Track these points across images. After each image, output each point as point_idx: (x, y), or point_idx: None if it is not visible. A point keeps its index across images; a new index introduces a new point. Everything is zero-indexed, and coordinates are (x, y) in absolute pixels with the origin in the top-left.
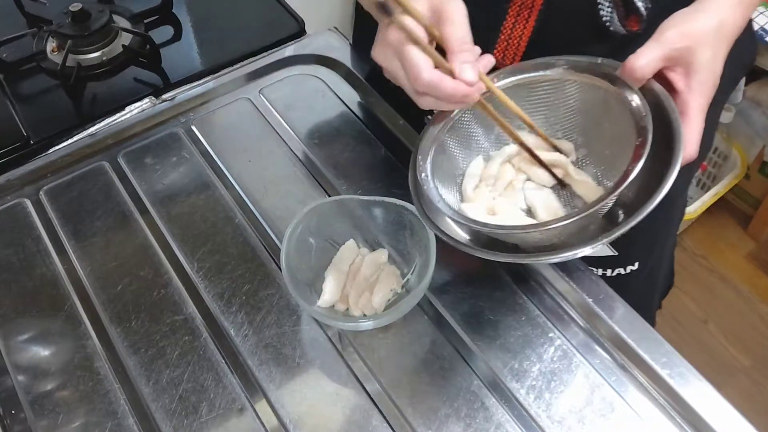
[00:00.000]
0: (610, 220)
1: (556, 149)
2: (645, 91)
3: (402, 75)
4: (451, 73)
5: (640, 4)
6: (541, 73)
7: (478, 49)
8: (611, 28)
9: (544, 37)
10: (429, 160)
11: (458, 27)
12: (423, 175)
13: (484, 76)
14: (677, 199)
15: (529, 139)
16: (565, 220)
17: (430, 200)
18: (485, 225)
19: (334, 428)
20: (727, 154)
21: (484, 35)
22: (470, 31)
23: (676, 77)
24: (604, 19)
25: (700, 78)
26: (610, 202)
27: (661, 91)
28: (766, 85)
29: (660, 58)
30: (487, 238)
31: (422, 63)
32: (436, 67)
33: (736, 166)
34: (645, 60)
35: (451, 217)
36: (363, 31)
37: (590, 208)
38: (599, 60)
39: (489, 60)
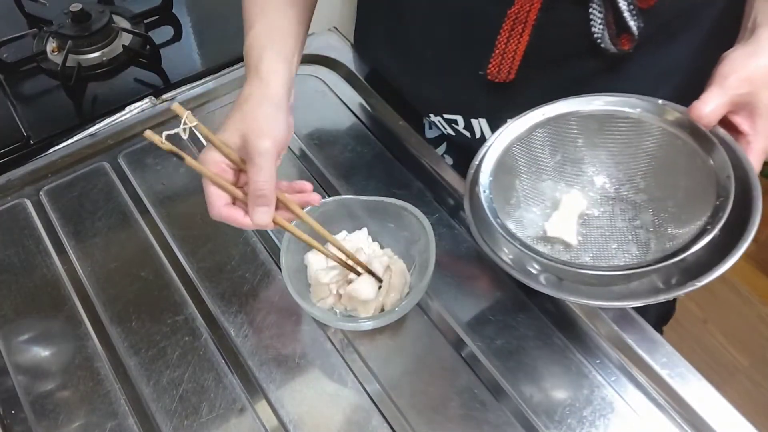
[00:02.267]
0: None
1: (367, 270)
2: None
3: (212, 208)
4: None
5: (632, 24)
6: (617, 108)
7: (284, 185)
8: (602, 45)
9: (537, 52)
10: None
11: (259, 170)
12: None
13: (280, 218)
14: None
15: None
16: (644, 267)
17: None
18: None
19: (334, 428)
20: None
21: (479, 49)
22: (273, 171)
23: (740, 120)
24: (595, 36)
25: (765, 121)
26: (687, 256)
27: (729, 141)
28: None
29: (725, 104)
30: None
31: (213, 200)
32: (234, 201)
33: None
34: (711, 107)
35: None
36: (363, 31)
37: (666, 259)
38: (660, 101)
39: (308, 198)
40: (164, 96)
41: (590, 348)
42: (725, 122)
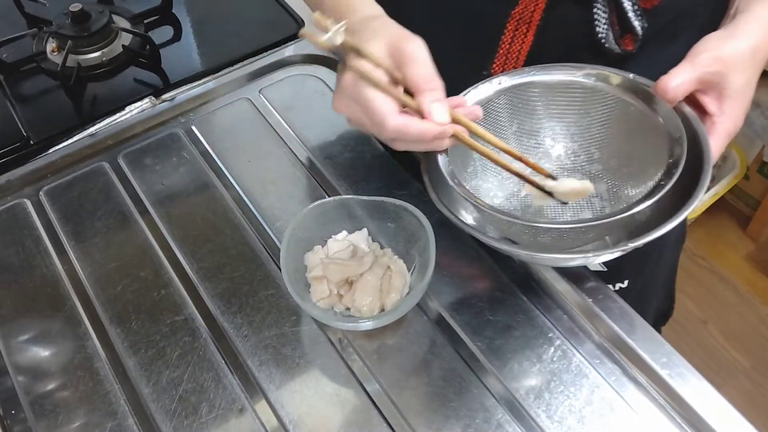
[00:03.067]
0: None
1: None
2: (675, 112)
3: (368, 122)
4: (420, 113)
5: (636, 23)
6: (573, 78)
7: (442, 85)
8: (606, 45)
9: (541, 52)
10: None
11: (422, 65)
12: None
13: (456, 112)
14: None
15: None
16: (587, 222)
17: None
18: (495, 209)
19: (333, 428)
20: (727, 154)
21: (482, 49)
22: (435, 69)
23: (708, 100)
24: (599, 35)
25: (733, 103)
26: (637, 212)
27: (691, 116)
28: (765, 86)
29: (693, 80)
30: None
31: (386, 108)
32: (404, 107)
33: (736, 166)
34: (678, 80)
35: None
36: None
37: (618, 214)
38: (631, 75)
39: (459, 99)
40: (164, 96)
41: (590, 348)
42: (692, 100)
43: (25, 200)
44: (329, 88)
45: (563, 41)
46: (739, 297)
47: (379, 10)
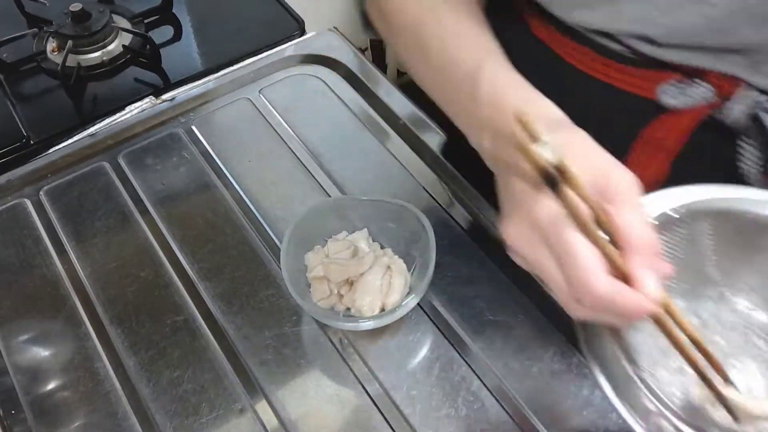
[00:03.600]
0: None
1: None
2: None
3: (556, 274)
4: (624, 275)
5: None
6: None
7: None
8: (747, 180)
9: (668, 179)
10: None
11: (639, 211)
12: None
13: (670, 301)
14: None
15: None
16: None
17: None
18: None
19: (334, 428)
20: None
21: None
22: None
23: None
24: (741, 170)
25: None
26: None
27: None
28: None
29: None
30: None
31: (594, 267)
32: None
33: None
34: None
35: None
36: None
37: None
38: None
39: (665, 267)
40: (164, 96)
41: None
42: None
43: (25, 200)
44: (329, 88)
45: (701, 174)
46: None
47: (556, 109)
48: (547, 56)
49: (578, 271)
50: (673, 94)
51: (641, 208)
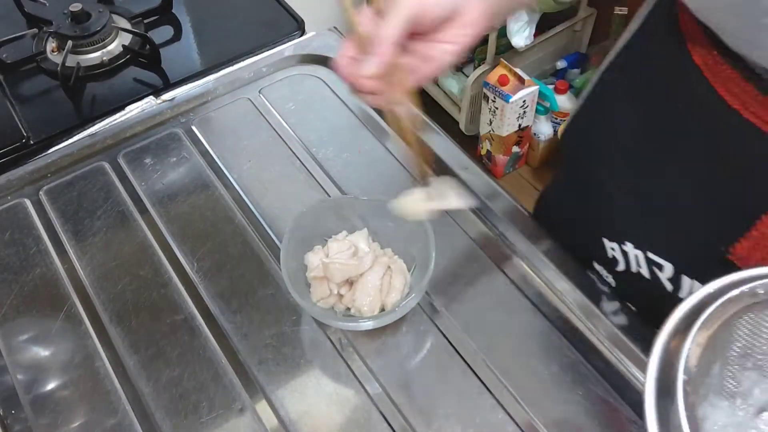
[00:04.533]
0: None
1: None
2: None
3: None
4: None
5: None
6: None
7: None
8: None
9: None
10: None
11: (386, 22)
12: None
13: (389, 107)
14: None
15: None
16: None
17: None
18: None
19: (334, 428)
20: None
21: (736, 211)
22: (397, 30)
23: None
24: None
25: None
26: None
27: None
28: None
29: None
30: None
31: (344, 49)
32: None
33: None
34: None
35: None
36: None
37: None
38: None
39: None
40: (164, 96)
41: (590, 348)
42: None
43: (25, 200)
44: (329, 88)
45: None
46: None
47: None
48: (698, 83)
49: (339, 56)
50: None
51: (393, 19)
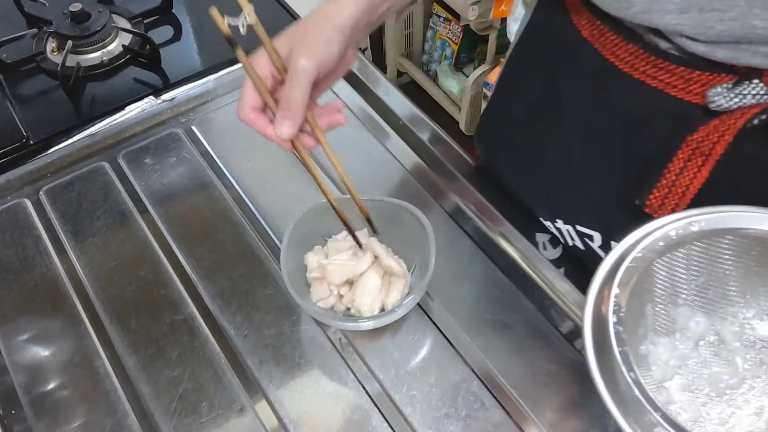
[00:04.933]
0: None
1: (369, 221)
2: None
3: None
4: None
5: None
6: None
7: (317, 109)
8: None
9: (715, 192)
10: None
11: (293, 85)
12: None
13: (298, 143)
14: None
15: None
16: None
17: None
18: None
19: (334, 428)
20: None
21: (641, 168)
22: (306, 90)
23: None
24: None
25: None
26: None
27: None
28: None
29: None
30: None
31: (246, 100)
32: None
33: None
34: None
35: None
36: (491, 120)
37: None
38: None
39: (336, 118)
40: (164, 96)
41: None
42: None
43: (25, 200)
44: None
45: (745, 181)
46: None
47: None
48: (591, 56)
49: (241, 107)
50: (724, 95)
51: (299, 86)
